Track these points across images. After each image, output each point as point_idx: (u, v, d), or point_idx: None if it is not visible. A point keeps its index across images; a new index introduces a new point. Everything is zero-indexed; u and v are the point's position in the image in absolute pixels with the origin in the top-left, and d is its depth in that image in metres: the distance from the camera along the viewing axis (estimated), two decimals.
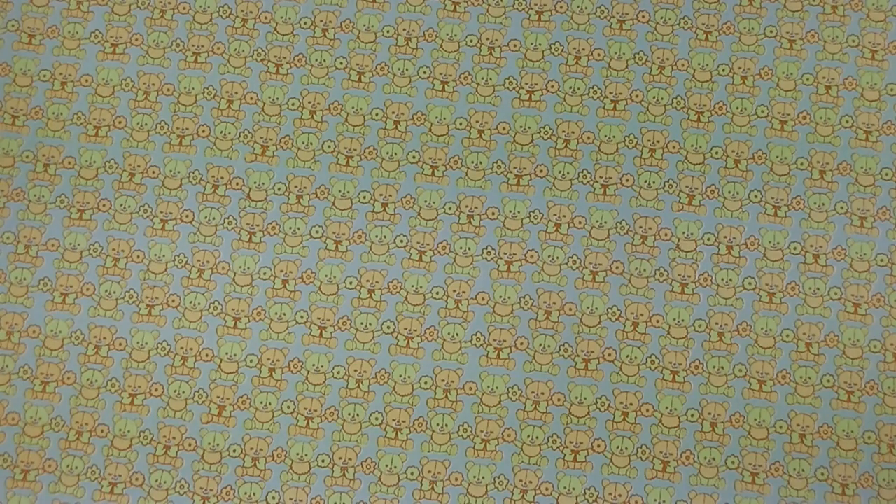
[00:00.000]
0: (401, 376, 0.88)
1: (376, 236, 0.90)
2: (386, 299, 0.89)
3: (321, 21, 0.94)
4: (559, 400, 0.87)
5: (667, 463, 0.86)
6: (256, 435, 0.87)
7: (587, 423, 0.87)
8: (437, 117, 0.92)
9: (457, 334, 0.88)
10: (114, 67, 0.94)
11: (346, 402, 0.87)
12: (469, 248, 0.90)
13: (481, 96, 0.92)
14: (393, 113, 0.92)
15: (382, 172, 0.91)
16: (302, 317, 0.89)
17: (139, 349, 0.89)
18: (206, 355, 0.88)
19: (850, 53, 0.92)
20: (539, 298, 0.89)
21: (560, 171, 0.91)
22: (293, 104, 0.93)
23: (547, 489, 0.86)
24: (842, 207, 0.90)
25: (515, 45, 0.93)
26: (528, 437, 0.86)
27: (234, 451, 0.87)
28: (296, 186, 0.91)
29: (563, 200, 0.90)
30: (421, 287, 0.89)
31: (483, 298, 0.89)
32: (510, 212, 0.90)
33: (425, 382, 0.88)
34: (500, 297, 0.89)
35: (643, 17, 0.94)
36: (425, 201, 0.91)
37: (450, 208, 0.90)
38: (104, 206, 0.91)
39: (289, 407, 0.87)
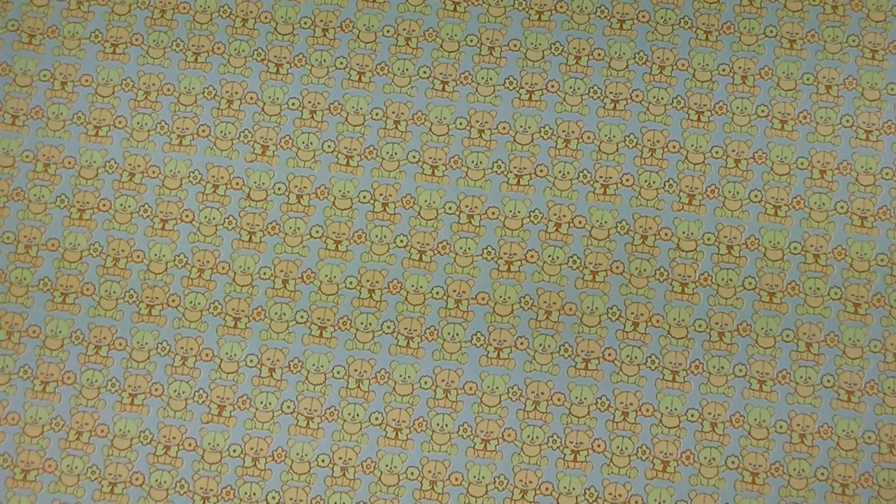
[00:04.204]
0: (401, 376, 0.88)
1: (376, 236, 0.90)
2: (386, 299, 0.89)
3: (321, 21, 0.94)
4: (559, 400, 0.87)
5: (667, 463, 0.86)
6: (256, 435, 0.87)
7: (587, 423, 0.87)
8: (437, 117, 0.92)
9: (457, 334, 0.88)
10: (114, 67, 0.94)
11: (346, 402, 0.87)
12: (469, 248, 0.90)
13: (481, 96, 0.92)
14: (393, 113, 0.92)
15: (382, 172, 0.91)
16: (302, 317, 0.89)
17: (139, 349, 0.89)
18: (206, 355, 0.88)
19: (850, 53, 0.92)
20: (539, 298, 0.89)
21: (560, 171, 0.91)
22: (293, 104, 0.93)
23: (547, 489, 0.86)
24: (842, 207, 0.90)
25: (515, 45, 0.93)
26: (528, 437, 0.86)
27: (234, 451, 0.87)
28: (296, 186, 0.91)
29: (563, 200, 0.90)
30: (421, 287, 0.89)
31: (483, 298, 0.89)
32: (510, 212, 0.90)
33: (425, 382, 0.88)
34: (500, 297, 0.89)
35: (643, 17, 0.94)
36: (425, 201, 0.91)
37: (450, 208, 0.90)
38: (104, 206, 0.91)
39: (289, 407, 0.87)
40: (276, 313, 0.89)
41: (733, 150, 0.91)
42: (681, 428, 0.86)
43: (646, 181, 0.91)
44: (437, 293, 0.89)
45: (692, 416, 0.86)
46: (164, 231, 0.90)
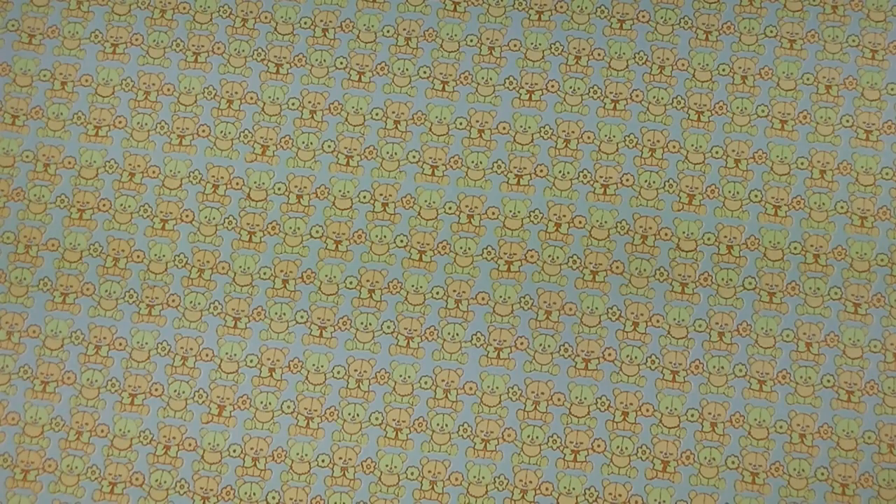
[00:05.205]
0: (401, 376, 0.88)
1: (376, 236, 0.90)
2: (386, 299, 0.89)
3: (321, 21, 0.94)
4: (559, 400, 0.87)
5: (667, 463, 0.86)
6: (256, 435, 0.87)
7: (587, 423, 0.87)
8: (437, 117, 0.92)
9: (457, 334, 0.88)
10: (114, 67, 0.94)
11: (346, 402, 0.87)
12: (469, 248, 0.90)
13: (481, 96, 0.92)
14: (393, 113, 0.92)
15: (382, 172, 0.91)
16: (302, 317, 0.89)
17: (139, 349, 0.89)
18: (206, 355, 0.88)
19: (850, 53, 0.92)
20: (539, 298, 0.89)
21: (560, 171, 0.91)
22: (293, 104, 0.93)
23: (547, 489, 0.86)
24: (842, 207, 0.90)
25: (515, 45, 0.93)
26: (528, 437, 0.86)
27: (234, 451, 0.87)
28: (296, 186, 0.91)
29: (563, 200, 0.90)
30: (421, 287, 0.89)
31: (483, 298, 0.89)
32: (510, 212, 0.90)
33: (425, 382, 0.88)
34: (500, 297, 0.89)
35: (643, 16, 0.94)
36: (425, 201, 0.91)
37: (450, 208, 0.90)
38: (104, 206, 0.91)
39: (289, 407, 0.87)
40: (276, 313, 0.89)
41: (733, 150, 0.91)
42: (681, 428, 0.86)
43: (646, 181, 0.91)
44: (437, 293, 0.89)
45: (692, 416, 0.86)
46: (164, 231, 0.90)
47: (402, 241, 0.90)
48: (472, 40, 0.93)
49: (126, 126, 0.92)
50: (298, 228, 0.90)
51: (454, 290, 0.89)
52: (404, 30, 0.94)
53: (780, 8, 0.93)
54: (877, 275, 0.88)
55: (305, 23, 0.94)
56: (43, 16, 0.95)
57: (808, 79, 0.92)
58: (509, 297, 0.89)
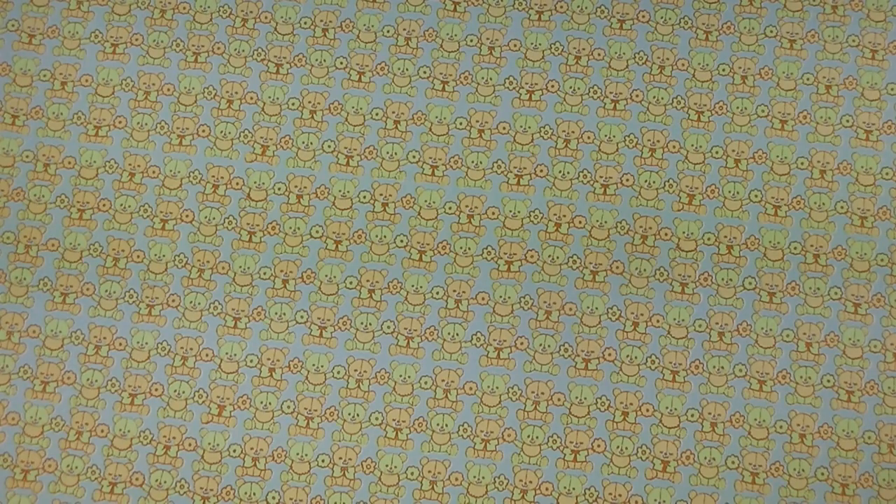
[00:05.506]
0: (401, 376, 0.88)
1: (376, 236, 0.90)
2: (386, 299, 0.89)
3: (321, 21, 0.94)
4: (559, 400, 0.87)
5: (667, 463, 0.86)
6: (256, 435, 0.87)
7: (587, 423, 0.87)
8: (437, 117, 0.92)
9: (457, 334, 0.88)
10: (114, 67, 0.94)
11: (346, 402, 0.87)
12: (469, 248, 0.90)
13: (481, 96, 0.92)
14: (393, 113, 0.92)
15: (382, 172, 0.91)
16: (302, 317, 0.89)
17: (139, 349, 0.89)
18: (206, 355, 0.88)
19: (850, 53, 0.92)
20: (539, 298, 0.89)
21: (560, 171, 0.91)
22: (293, 104, 0.93)
23: (547, 489, 0.86)
24: (842, 207, 0.90)
25: (515, 45, 0.93)
26: (528, 437, 0.86)
27: (234, 451, 0.87)
28: (296, 186, 0.91)
29: (563, 200, 0.90)
30: (421, 287, 0.89)
31: (483, 298, 0.89)
32: (510, 212, 0.90)
33: (425, 382, 0.88)
34: (500, 296, 0.89)
35: (643, 16, 0.94)
36: (425, 201, 0.91)
37: (450, 208, 0.90)
38: (104, 205, 0.91)
39: (289, 407, 0.87)
40: (276, 313, 0.89)
41: (733, 150, 0.91)
42: (681, 428, 0.86)
43: (646, 181, 0.91)
44: (437, 293, 0.89)
45: (692, 416, 0.86)
46: (164, 231, 0.90)
47: (402, 241, 0.90)
48: (472, 40, 0.93)
49: (126, 126, 0.92)
50: (298, 228, 0.90)
51: (454, 290, 0.89)
52: (404, 30, 0.94)
53: (780, 8, 0.93)
54: (877, 275, 0.88)
55: (305, 23, 0.94)
56: (43, 16, 0.95)
57: (808, 79, 0.92)
58: (509, 297, 0.89)
